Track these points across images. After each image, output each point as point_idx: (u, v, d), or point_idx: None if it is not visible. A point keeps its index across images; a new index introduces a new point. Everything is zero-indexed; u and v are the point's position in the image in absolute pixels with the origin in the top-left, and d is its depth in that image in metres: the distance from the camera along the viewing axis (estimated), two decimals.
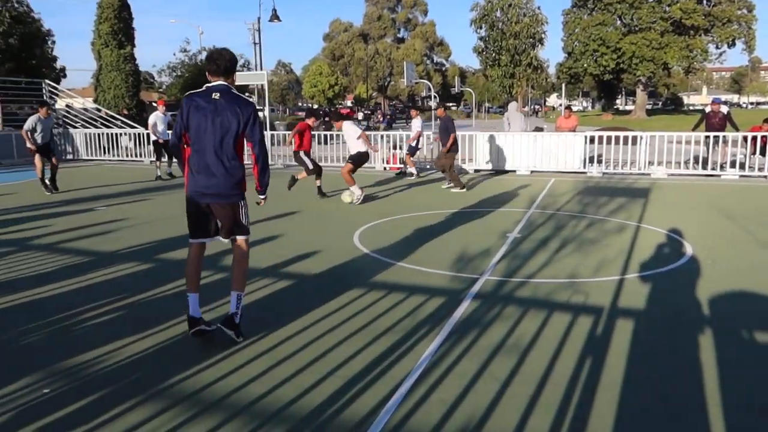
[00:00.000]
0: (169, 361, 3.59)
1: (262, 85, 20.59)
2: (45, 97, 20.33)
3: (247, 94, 37.31)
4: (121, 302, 4.72)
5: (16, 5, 26.74)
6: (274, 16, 26.92)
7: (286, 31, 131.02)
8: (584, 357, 3.63)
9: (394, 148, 15.47)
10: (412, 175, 13.39)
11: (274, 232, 7.43)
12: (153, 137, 13.59)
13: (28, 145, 10.82)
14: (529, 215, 8.49)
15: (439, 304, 4.63)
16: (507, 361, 3.58)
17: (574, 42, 49.96)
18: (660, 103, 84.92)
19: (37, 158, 10.94)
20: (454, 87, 55.26)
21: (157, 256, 6.26)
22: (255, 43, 33.70)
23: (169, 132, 13.83)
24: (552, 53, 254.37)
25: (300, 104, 74.15)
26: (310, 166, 10.68)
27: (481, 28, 48.04)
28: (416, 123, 13.76)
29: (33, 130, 10.69)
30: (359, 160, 10.25)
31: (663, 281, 5.27)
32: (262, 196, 4.11)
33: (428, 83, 41.58)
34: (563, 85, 47.91)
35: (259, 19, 34.70)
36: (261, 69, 33.22)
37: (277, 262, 5.89)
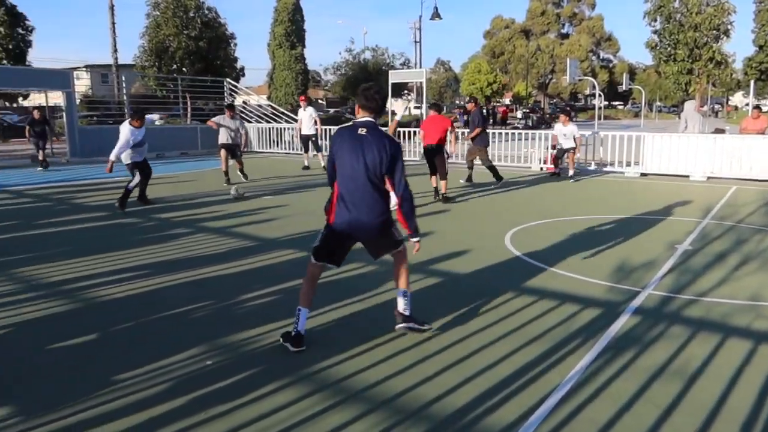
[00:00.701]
0: (317, 348, 3.72)
1: (420, 83, 20.88)
2: (225, 95, 22.43)
3: (405, 91, 38.13)
4: (278, 286, 5.01)
5: (206, 12, 29.79)
6: (436, 14, 27.13)
7: (447, 30, 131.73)
8: (766, 392, 3.16)
9: (553, 148, 14.82)
10: (571, 177, 12.67)
11: (425, 229, 7.46)
12: (303, 132, 14.72)
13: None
14: (703, 226, 7.65)
15: (594, 315, 4.32)
16: (670, 386, 3.22)
17: (767, 34, 44.17)
18: None
19: (223, 152, 12.00)
20: (621, 84, 51.73)
21: (311, 245, 6.56)
22: (415, 42, 34.26)
23: (316, 128, 14.74)
24: (739, 46, 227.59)
25: (457, 102, 74.15)
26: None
27: (655, 20, 44.34)
28: (566, 129, 12.81)
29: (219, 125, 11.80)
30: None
31: None
32: (416, 239, 3.92)
33: (593, 80, 39.37)
34: (752, 83, 42.72)
35: (420, 17, 35.27)
36: (420, 67, 33.71)
37: (426, 260, 5.89)
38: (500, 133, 17.16)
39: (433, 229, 7.39)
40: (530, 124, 41.90)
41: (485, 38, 69.81)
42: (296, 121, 20.23)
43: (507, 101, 67.98)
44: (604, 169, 14.17)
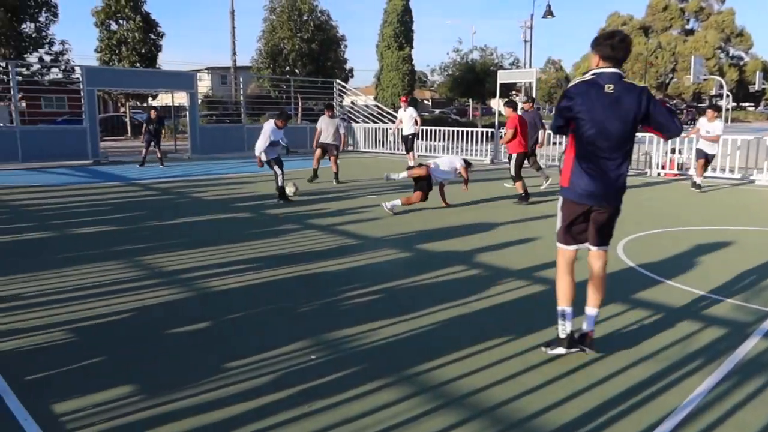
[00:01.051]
0: (420, 350, 3.69)
1: (529, 83, 20.33)
2: (334, 95, 23.05)
3: (513, 92, 37.33)
4: (380, 285, 5.04)
5: (318, 15, 30.81)
6: (548, 12, 26.31)
7: (559, 28, 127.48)
8: None
9: (672, 152, 13.87)
10: (699, 186, 11.28)
11: (531, 234, 7.23)
12: (404, 132, 14.74)
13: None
14: None
15: (717, 335, 3.97)
16: None
17: None
18: None
19: (318, 151, 12.27)
20: (754, 84, 47.52)
21: (416, 246, 6.57)
22: (525, 41, 33.42)
23: (416, 127, 14.61)
24: None
25: None
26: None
27: None
28: (711, 125, 11.23)
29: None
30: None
31: None
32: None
33: (720, 80, 36.44)
34: None
35: (531, 16, 34.35)
36: (530, 67, 32.85)
37: (530, 265, 5.70)
38: None
39: (537, 235, 7.15)
40: None
41: None
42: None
43: None
44: (732, 175, 13.03)
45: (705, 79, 48.13)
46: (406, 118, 14.65)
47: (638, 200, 10.18)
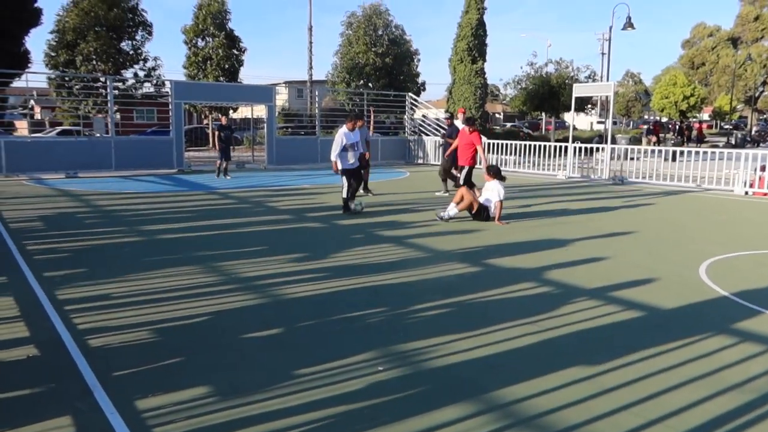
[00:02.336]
0: (489, 367, 3.66)
1: (607, 97, 19.73)
2: (407, 108, 23.23)
3: (589, 105, 36.30)
4: (447, 300, 5.03)
5: (393, 29, 31.25)
6: (629, 24, 25.51)
7: (638, 40, 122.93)
8: None
9: (762, 170, 13.09)
10: None
11: (604, 252, 7.01)
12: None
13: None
14: None
15: None
16: None
17: None
18: None
19: None
20: None
21: (484, 261, 6.51)
22: (602, 53, 32.50)
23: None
24: None
25: (646, 117, 68.83)
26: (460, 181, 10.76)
27: None
28: None
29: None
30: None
31: None
32: None
33: None
34: None
35: (610, 28, 33.41)
36: (607, 80, 31.90)
37: (604, 285, 5.53)
38: (696, 152, 15.60)
39: (611, 254, 6.92)
40: (733, 142, 37.47)
41: (683, 48, 64.03)
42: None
43: (706, 116, 61.53)
44: None
45: None
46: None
47: (721, 219, 9.66)
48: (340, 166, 9.61)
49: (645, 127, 39.34)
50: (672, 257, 6.83)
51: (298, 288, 5.33)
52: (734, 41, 60.24)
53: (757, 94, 58.54)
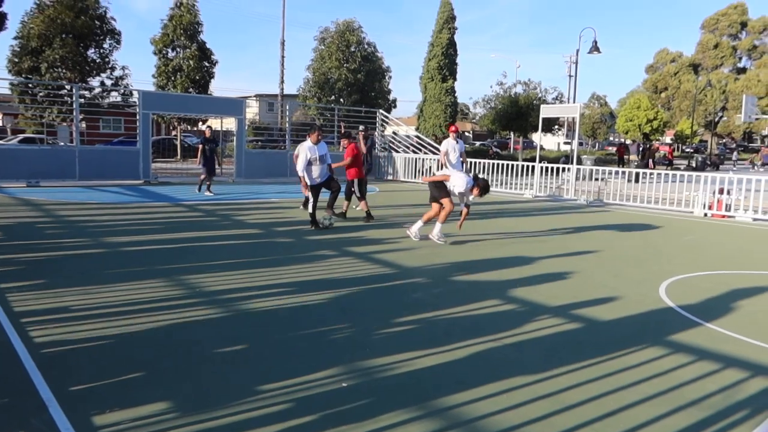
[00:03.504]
0: (454, 383, 3.67)
1: (573, 118, 20.18)
2: (377, 125, 23.35)
3: (556, 126, 37.06)
4: (414, 316, 5.04)
5: (366, 46, 31.50)
6: (594, 48, 26.22)
7: (604, 63, 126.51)
8: None
9: (720, 192, 13.52)
10: None
11: (570, 269, 7.13)
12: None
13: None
14: None
15: (765, 385, 3.82)
16: None
17: None
18: None
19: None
20: None
21: (450, 278, 6.55)
22: (570, 76, 33.30)
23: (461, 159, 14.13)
24: None
25: (611, 138, 70.53)
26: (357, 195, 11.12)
27: None
28: None
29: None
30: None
31: None
32: None
33: None
34: None
35: (577, 51, 34.26)
36: (574, 102, 32.65)
37: (569, 302, 5.62)
38: (659, 174, 16.04)
39: (577, 270, 7.04)
40: (694, 165, 38.92)
41: (647, 72, 66.05)
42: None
43: (668, 140, 63.38)
44: None
45: (757, 119, 46.85)
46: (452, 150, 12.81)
47: (681, 240, 9.93)
48: (308, 181, 9.46)
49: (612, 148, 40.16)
50: (634, 276, 6.98)
51: (264, 302, 5.28)
52: (695, 67, 62.42)
53: (716, 119, 60.57)
